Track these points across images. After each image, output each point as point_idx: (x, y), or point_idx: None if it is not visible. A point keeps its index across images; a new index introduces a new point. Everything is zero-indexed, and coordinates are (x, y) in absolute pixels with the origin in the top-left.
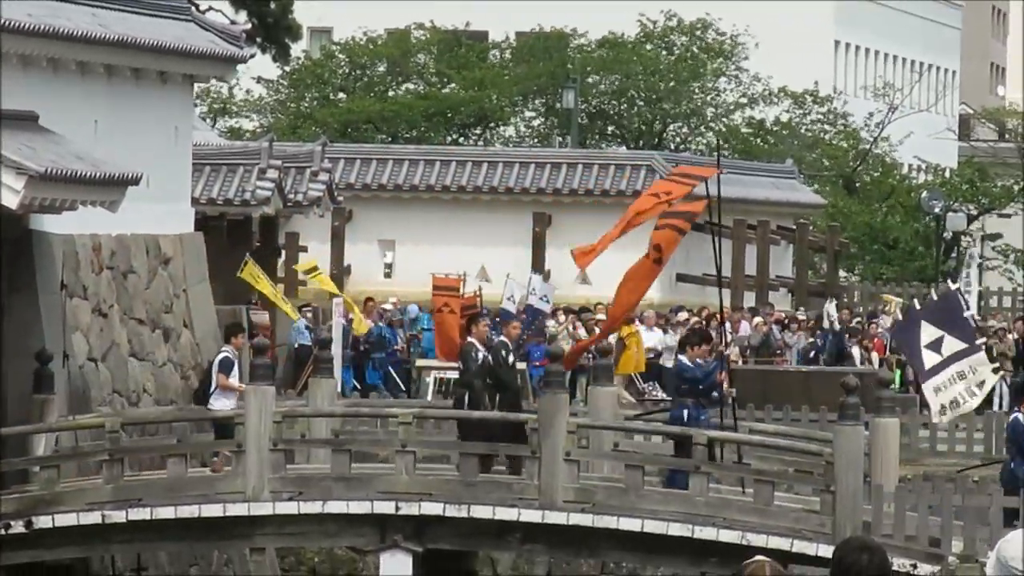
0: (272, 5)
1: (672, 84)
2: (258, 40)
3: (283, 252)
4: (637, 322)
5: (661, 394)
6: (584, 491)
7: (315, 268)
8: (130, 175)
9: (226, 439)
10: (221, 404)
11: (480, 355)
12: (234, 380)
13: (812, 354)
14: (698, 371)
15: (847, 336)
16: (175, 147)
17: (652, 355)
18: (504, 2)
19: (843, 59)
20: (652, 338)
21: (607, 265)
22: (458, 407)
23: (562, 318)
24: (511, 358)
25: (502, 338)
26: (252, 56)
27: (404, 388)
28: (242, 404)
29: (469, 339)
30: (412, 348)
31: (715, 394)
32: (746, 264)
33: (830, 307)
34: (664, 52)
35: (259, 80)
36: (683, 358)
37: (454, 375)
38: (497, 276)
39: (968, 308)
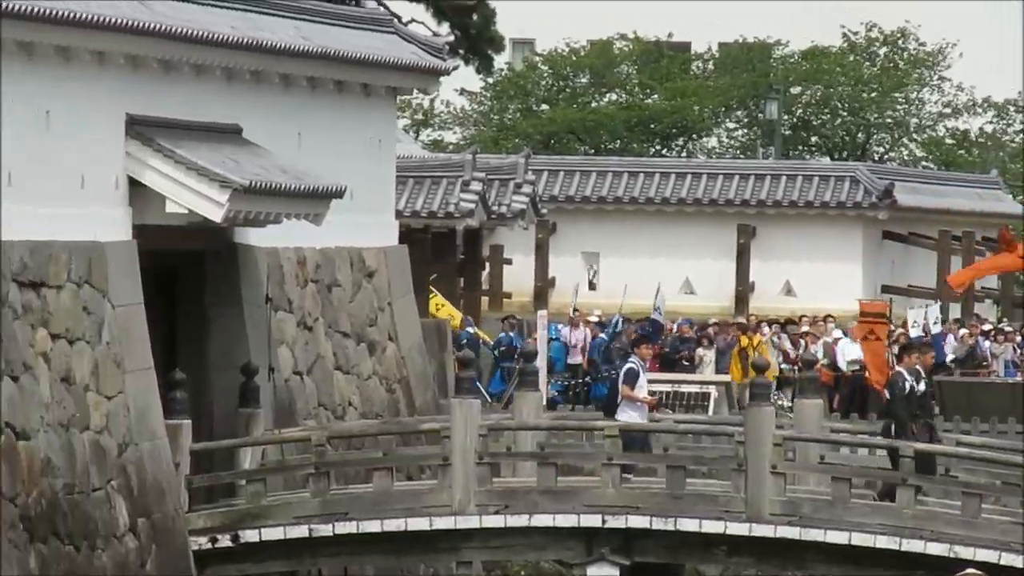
0: (475, 17)
1: (875, 95)
2: (461, 52)
3: (487, 264)
4: (840, 332)
5: (787, 403)
6: (791, 504)
7: (440, 304)
8: (334, 188)
9: (633, 451)
10: (627, 416)
11: (908, 385)
12: (640, 391)
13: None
14: None
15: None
16: (379, 159)
17: (857, 367)
18: (707, 13)
19: None
20: (856, 350)
21: (812, 275)
22: (885, 436)
23: (767, 330)
24: (922, 386)
25: (917, 366)
26: (455, 68)
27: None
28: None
29: (898, 368)
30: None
31: None
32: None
33: (928, 312)
34: (867, 63)
35: (462, 92)
36: None
37: (659, 388)
38: (702, 288)
39: None
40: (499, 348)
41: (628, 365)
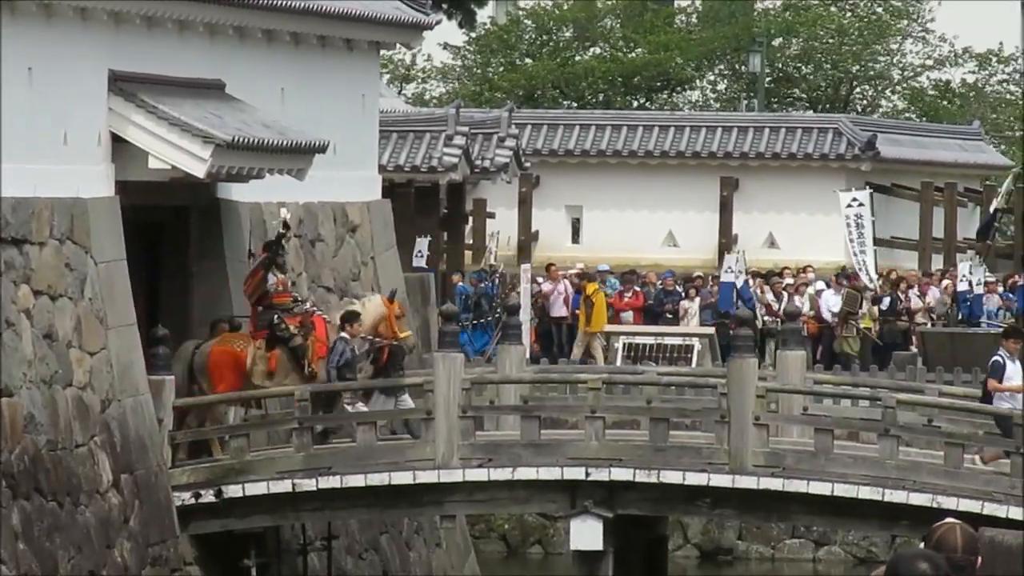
0: None
1: (856, 46)
2: (443, 6)
3: (470, 219)
4: (823, 283)
5: None
6: (774, 455)
7: None
8: (317, 143)
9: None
10: (1004, 407)
11: None
12: (1009, 382)
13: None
14: None
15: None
16: (362, 114)
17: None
18: None
19: None
20: (839, 301)
21: (795, 227)
22: None
23: (750, 282)
24: None
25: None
26: (438, 22)
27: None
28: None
29: None
30: None
31: None
32: (934, 227)
33: (972, 268)
34: (849, 14)
35: (445, 46)
36: None
37: (643, 340)
38: (684, 241)
39: None
40: None
41: (994, 358)
